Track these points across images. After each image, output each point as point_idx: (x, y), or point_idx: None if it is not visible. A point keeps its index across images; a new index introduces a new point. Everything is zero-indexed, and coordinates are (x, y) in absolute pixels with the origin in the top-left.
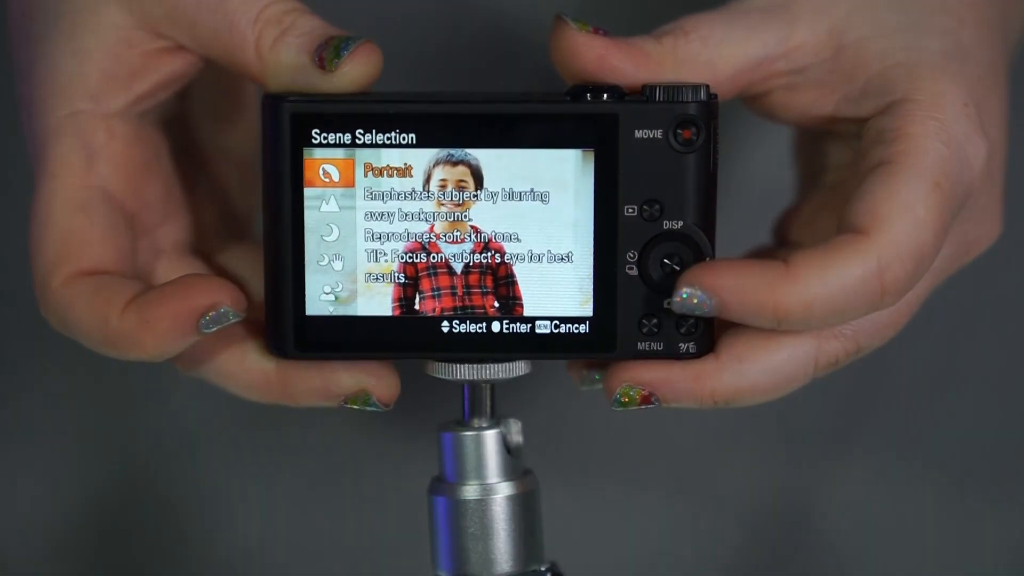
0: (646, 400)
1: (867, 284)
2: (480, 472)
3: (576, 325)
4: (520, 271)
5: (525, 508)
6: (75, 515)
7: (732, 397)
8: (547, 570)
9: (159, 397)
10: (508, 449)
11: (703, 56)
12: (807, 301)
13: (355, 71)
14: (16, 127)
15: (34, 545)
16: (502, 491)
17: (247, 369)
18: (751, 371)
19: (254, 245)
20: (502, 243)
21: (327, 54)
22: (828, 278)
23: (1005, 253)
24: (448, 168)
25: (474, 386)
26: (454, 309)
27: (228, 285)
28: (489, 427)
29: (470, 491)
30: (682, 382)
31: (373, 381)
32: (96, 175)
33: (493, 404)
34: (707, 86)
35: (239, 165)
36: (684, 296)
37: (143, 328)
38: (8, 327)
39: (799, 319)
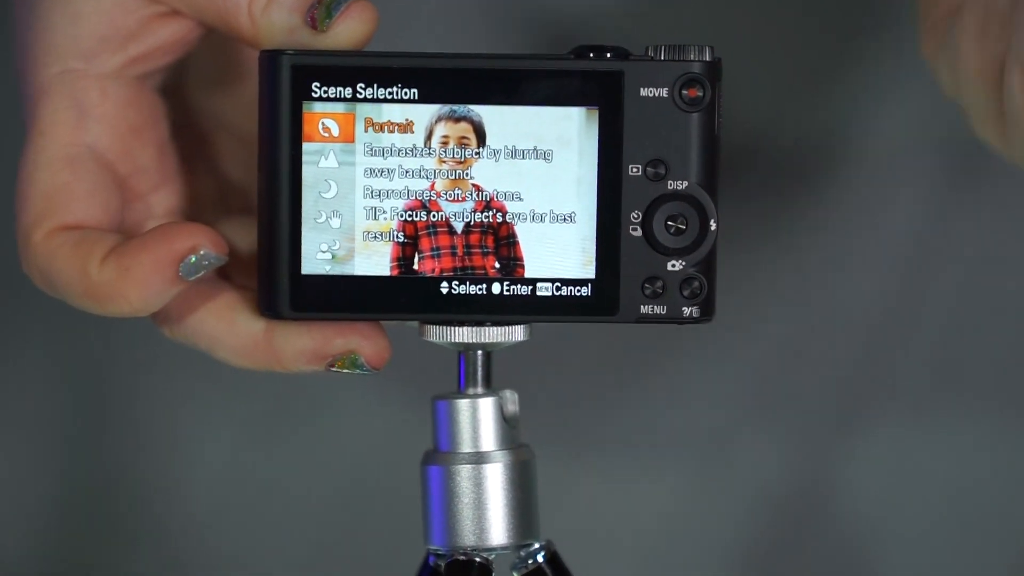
0: None
1: None
2: (475, 440)
3: (578, 287)
4: (522, 231)
5: (521, 479)
6: (57, 493)
7: None
8: (542, 547)
9: (138, 375)
10: (504, 419)
11: None
12: None
13: (348, 30)
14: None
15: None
16: (498, 459)
17: (236, 332)
18: None
19: (251, 218)
20: (504, 202)
21: (318, 14)
22: None
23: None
24: (450, 124)
25: (470, 353)
26: (454, 269)
27: (207, 228)
28: (485, 395)
29: (464, 458)
30: None
31: (363, 342)
32: (86, 133)
33: (489, 373)
34: (711, 46)
35: (237, 138)
36: None
37: (123, 277)
38: None
39: None
